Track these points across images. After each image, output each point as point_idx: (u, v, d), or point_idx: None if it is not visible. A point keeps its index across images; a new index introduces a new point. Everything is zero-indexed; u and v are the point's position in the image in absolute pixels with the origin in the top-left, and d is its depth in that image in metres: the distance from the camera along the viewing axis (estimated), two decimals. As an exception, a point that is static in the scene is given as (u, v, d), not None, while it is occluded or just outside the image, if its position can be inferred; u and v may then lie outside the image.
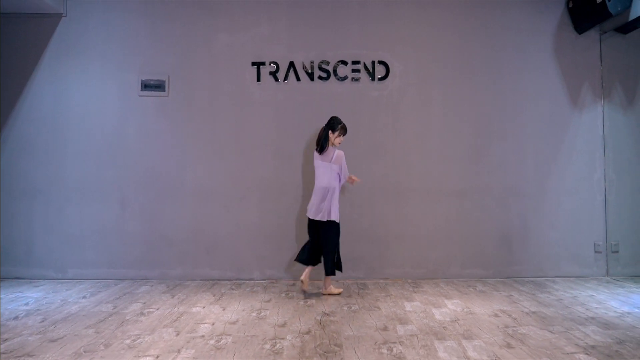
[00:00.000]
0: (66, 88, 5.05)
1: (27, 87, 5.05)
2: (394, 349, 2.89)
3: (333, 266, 4.28)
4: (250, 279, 4.96)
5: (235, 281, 4.91)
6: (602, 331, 3.23)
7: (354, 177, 4.48)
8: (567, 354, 2.81)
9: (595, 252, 5.08)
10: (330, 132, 4.31)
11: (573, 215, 5.08)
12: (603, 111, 5.15)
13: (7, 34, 5.06)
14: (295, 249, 4.97)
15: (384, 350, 2.87)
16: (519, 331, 3.24)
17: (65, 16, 5.08)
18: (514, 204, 5.07)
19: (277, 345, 2.96)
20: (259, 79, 5.05)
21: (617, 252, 5.09)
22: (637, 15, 4.62)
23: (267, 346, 2.95)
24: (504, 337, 3.11)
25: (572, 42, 5.16)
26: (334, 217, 4.23)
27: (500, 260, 5.03)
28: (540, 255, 5.05)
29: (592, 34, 5.16)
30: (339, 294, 4.32)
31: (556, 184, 5.09)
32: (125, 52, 5.07)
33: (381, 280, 4.90)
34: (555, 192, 5.09)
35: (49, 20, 5.06)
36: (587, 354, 2.81)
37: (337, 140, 4.33)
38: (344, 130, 4.34)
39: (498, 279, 4.95)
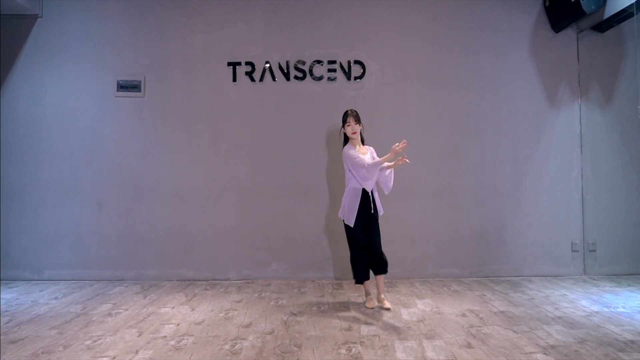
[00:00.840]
0: (42, 89, 5.05)
1: (3, 88, 5.05)
2: (353, 350, 2.88)
3: (354, 273, 3.89)
4: (226, 279, 4.96)
5: (211, 281, 4.91)
6: (566, 331, 3.23)
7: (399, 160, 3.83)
8: (526, 353, 2.81)
9: (573, 251, 5.07)
10: (342, 128, 3.97)
11: (550, 214, 5.08)
12: (580, 110, 5.14)
13: (-18, 35, 5.07)
14: (271, 249, 4.97)
15: (343, 351, 2.86)
16: (482, 331, 3.24)
17: (41, 17, 5.08)
18: (491, 203, 5.06)
19: (237, 346, 2.96)
20: (234, 79, 5.05)
21: (595, 251, 5.08)
22: (612, 14, 4.61)
23: (227, 347, 2.95)
24: (466, 337, 3.11)
25: (549, 40, 5.15)
26: (341, 214, 3.92)
27: (477, 260, 5.03)
28: (518, 255, 5.05)
29: (569, 33, 5.15)
30: (370, 307, 3.84)
31: (533, 183, 5.09)
32: (101, 53, 5.07)
33: (357, 280, 4.88)
34: (532, 191, 5.08)
35: (25, 21, 5.06)
36: (545, 353, 2.81)
37: (349, 131, 3.86)
38: (346, 117, 3.87)
39: (474, 279, 4.95)
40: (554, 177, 5.09)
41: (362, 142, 4.00)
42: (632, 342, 2.99)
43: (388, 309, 3.75)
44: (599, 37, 5.15)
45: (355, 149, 3.86)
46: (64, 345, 2.97)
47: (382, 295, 3.87)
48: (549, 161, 5.09)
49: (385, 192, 3.99)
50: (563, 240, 5.08)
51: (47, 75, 5.06)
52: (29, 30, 5.07)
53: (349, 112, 3.90)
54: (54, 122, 5.04)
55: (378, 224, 3.87)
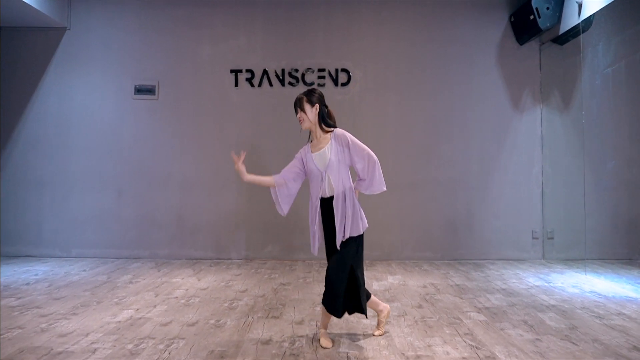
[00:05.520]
0: (70, 92, 5.82)
1: (37, 92, 5.82)
2: (326, 307, 3.62)
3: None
4: (228, 259, 5.72)
5: (215, 260, 5.67)
6: (503, 298, 3.94)
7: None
8: (463, 312, 3.53)
9: (533, 238, 5.77)
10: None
11: (513, 205, 5.77)
12: (541, 113, 5.81)
13: (19, 45, 5.83)
14: (267, 233, 5.71)
15: (317, 308, 3.60)
16: (434, 297, 3.96)
17: (70, 29, 5.83)
18: (461, 196, 5.76)
19: (234, 304, 3.71)
20: (236, 85, 5.78)
21: (552, 238, 5.77)
22: (565, 30, 5.28)
23: (226, 304, 3.70)
24: (419, 301, 3.83)
25: (514, 52, 5.82)
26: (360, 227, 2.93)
27: (448, 245, 5.73)
28: (483, 241, 5.75)
29: (533, 45, 5.82)
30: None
31: (499, 178, 5.77)
32: (121, 61, 5.82)
33: (342, 261, 5.61)
34: (497, 184, 5.77)
35: (55, 33, 5.82)
36: (478, 312, 3.52)
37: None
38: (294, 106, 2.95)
39: (445, 261, 5.65)
40: (517, 172, 5.78)
41: (324, 128, 2.90)
42: (553, 306, 3.69)
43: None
44: (559, 49, 5.80)
45: (309, 144, 2.98)
46: (97, 302, 3.73)
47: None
48: (512, 158, 5.78)
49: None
50: (524, 228, 5.77)
51: (74, 80, 5.83)
52: (59, 41, 5.83)
53: (296, 99, 2.93)
54: (80, 121, 5.80)
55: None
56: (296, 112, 2.92)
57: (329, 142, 2.88)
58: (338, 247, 2.82)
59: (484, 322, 3.27)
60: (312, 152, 2.91)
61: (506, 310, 3.56)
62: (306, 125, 2.91)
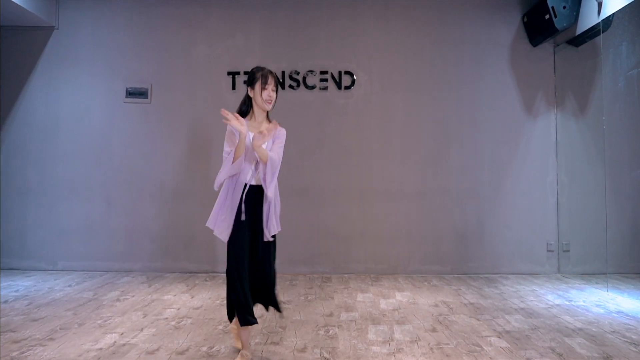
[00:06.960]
0: (58, 95, 5.50)
1: (22, 94, 5.50)
2: (331, 331, 3.28)
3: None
4: (225, 272, 5.36)
5: (210, 273, 5.33)
6: (523, 319, 3.60)
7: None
8: (481, 337, 3.19)
9: (548, 251, 5.44)
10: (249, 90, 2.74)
11: (527, 215, 5.44)
12: (556, 119, 5.51)
13: (3, 45, 5.51)
14: (266, 245, 5.37)
15: (321, 332, 3.26)
16: (449, 318, 3.62)
17: (57, 29, 5.52)
18: (471, 205, 5.43)
19: (229, 327, 3.36)
20: (234, 88, 5.47)
21: (568, 251, 5.44)
22: (583, 30, 4.98)
23: (220, 327, 3.36)
24: (432, 323, 3.50)
25: (527, 54, 5.52)
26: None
27: (457, 258, 5.40)
28: (495, 254, 5.41)
29: (547, 47, 5.52)
30: None
31: (511, 186, 5.45)
32: (112, 62, 5.50)
33: (345, 275, 5.28)
34: (510, 193, 5.45)
35: (42, 33, 5.51)
36: (498, 337, 3.19)
37: (264, 96, 2.70)
38: (265, 78, 2.69)
39: (454, 275, 5.32)
40: (531, 181, 5.46)
41: (268, 117, 2.82)
42: (580, 329, 3.36)
43: None
44: (575, 50, 5.50)
45: (250, 123, 2.74)
46: (79, 324, 3.39)
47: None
48: (525, 166, 5.46)
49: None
50: (538, 240, 5.44)
51: (62, 83, 5.50)
52: (46, 41, 5.51)
53: (268, 71, 2.71)
54: (68, 125, 5.48)
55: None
56: (265, 85, 2.69)
57: (272, 133, 2.70)
58: (266, 239, 2.75)
59: (507, 350, 2.93)
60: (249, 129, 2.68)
61: (529, 335, 3.23)
62: (271, 107, 2.77)
